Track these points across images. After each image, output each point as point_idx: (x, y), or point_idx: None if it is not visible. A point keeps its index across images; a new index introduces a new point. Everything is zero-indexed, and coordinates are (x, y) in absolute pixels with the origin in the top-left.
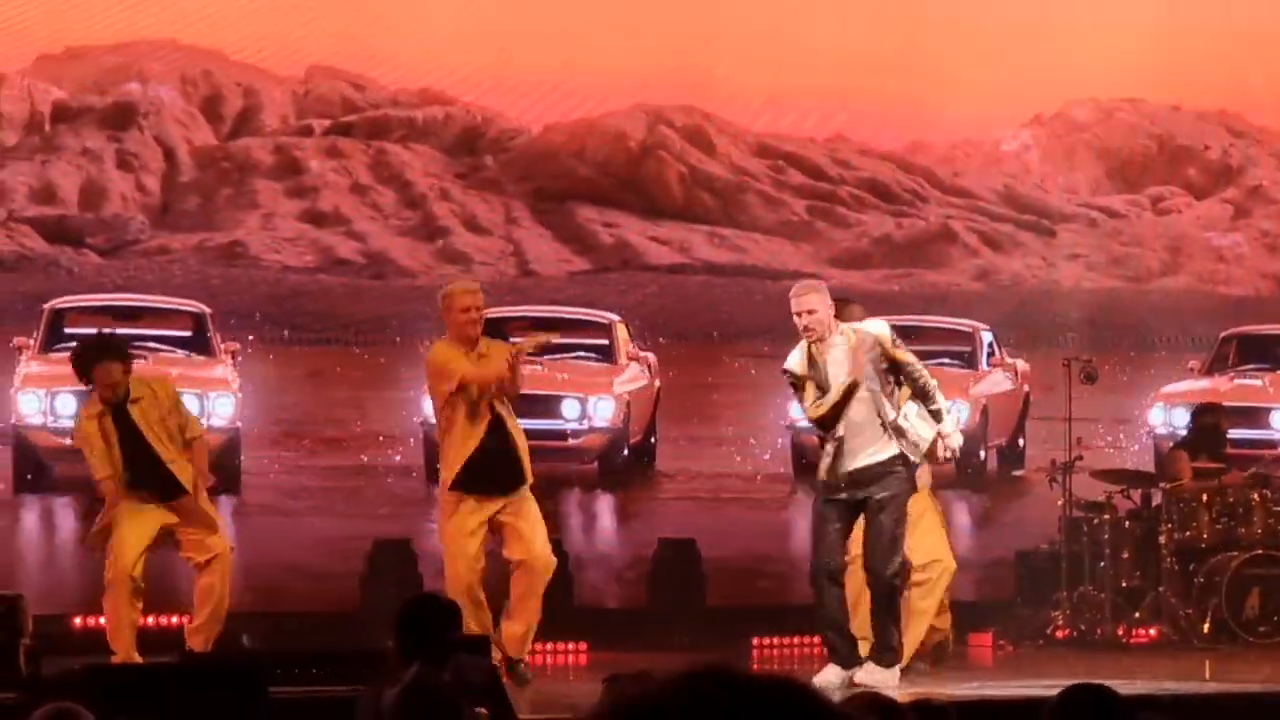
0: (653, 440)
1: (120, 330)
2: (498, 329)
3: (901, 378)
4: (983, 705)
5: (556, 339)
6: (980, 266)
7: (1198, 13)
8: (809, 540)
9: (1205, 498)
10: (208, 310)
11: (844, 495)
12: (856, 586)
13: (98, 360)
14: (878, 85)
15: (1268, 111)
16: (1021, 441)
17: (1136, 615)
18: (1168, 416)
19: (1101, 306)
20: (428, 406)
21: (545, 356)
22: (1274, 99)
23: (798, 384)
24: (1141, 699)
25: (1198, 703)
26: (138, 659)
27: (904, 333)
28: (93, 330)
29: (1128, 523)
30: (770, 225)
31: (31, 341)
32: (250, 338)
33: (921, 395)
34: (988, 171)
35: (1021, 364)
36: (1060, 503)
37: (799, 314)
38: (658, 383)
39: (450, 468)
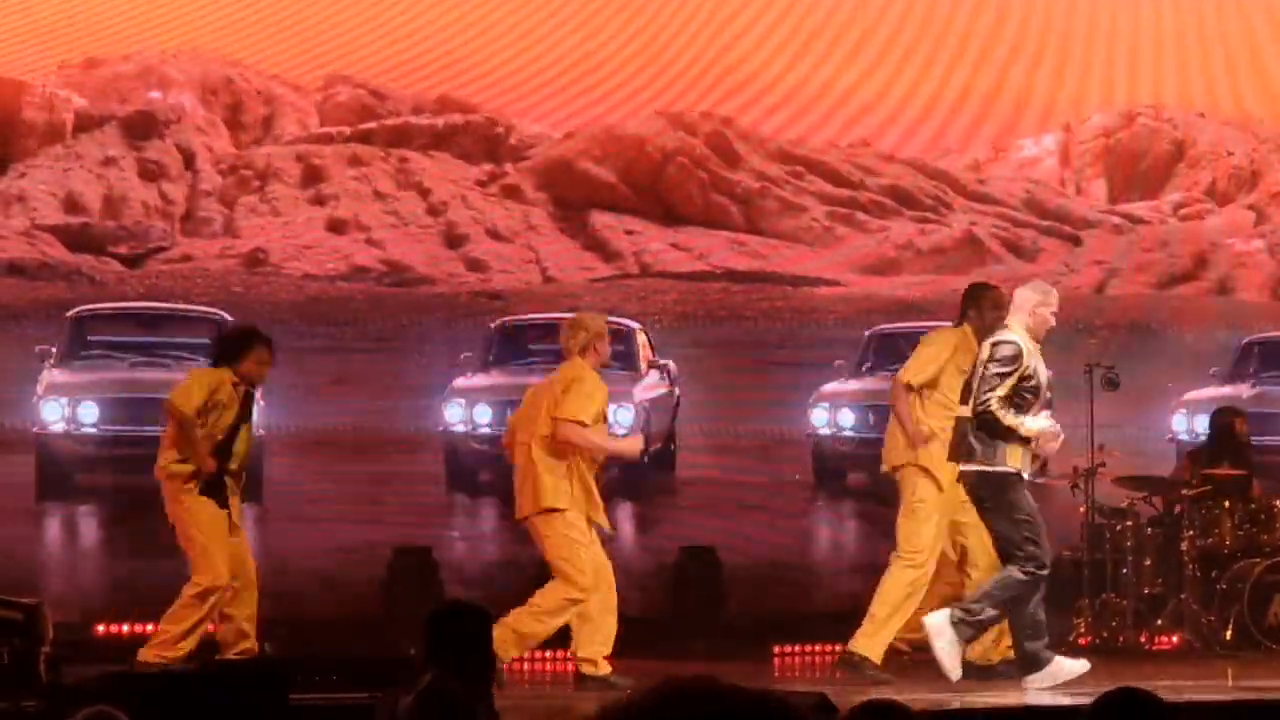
0: (673, 448)
1: (142, 338)
2: (518, 337)
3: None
4: (1002, 713)
5: None
6: (1004, 273)
7: (1220, 18)
8: (830, 548)
9: (1227, 504)
10: (229, 318)
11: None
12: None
13: (258, 342)
14: (900, 92)
15: None
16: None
17: (1159, 622)
18: (1190, 423)
19: (1124, 312)
20: (450, 414)
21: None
22: None
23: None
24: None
25: (1220, 710)
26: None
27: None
28: (116, 338)
29: (1150, 529)
30: (791, 232)
31: (54, 350)
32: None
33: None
34: (1011, 178)
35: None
36: (1082, 509)
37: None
38: (677, 390)
39: (566, 489)
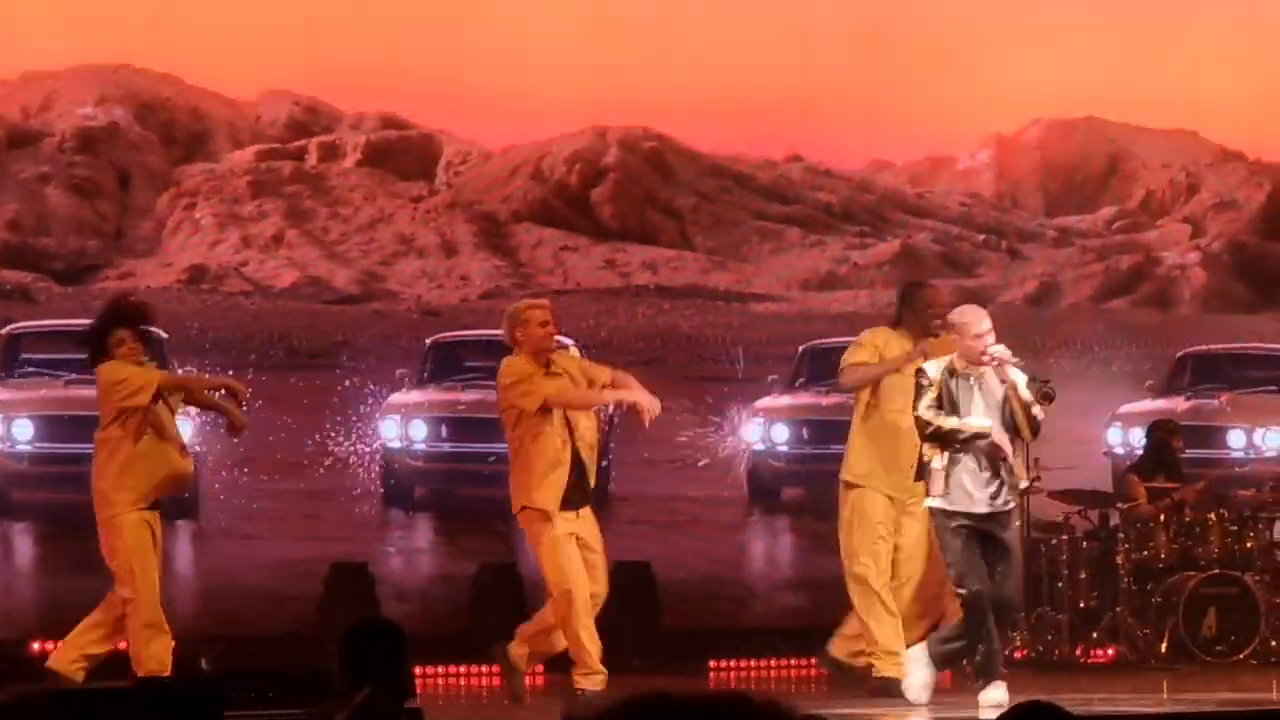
0: (606, 463)
1: (78, 355)
2: (451, 354)
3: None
4: None
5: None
6: (941, 287)
7: (1158, 31)
8: (765, 563)
9: (1162, 518)
10: (165, 335)
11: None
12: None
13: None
14: (836, 106)
15: (1227, 130)
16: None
17: (1094, 635)
18: (1125, 436)
19: (1059, 325)
20: (386, 430)
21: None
22: (1232, 118)
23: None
24: None
25: None
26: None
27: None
28: (51, 356)
29: (1085, 543)
30: (728, 248)
31: None
32: (206, 363)
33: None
34: (948, 191)
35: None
36: (1018, 524)
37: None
38: (611, 405)
39: (536, 487)
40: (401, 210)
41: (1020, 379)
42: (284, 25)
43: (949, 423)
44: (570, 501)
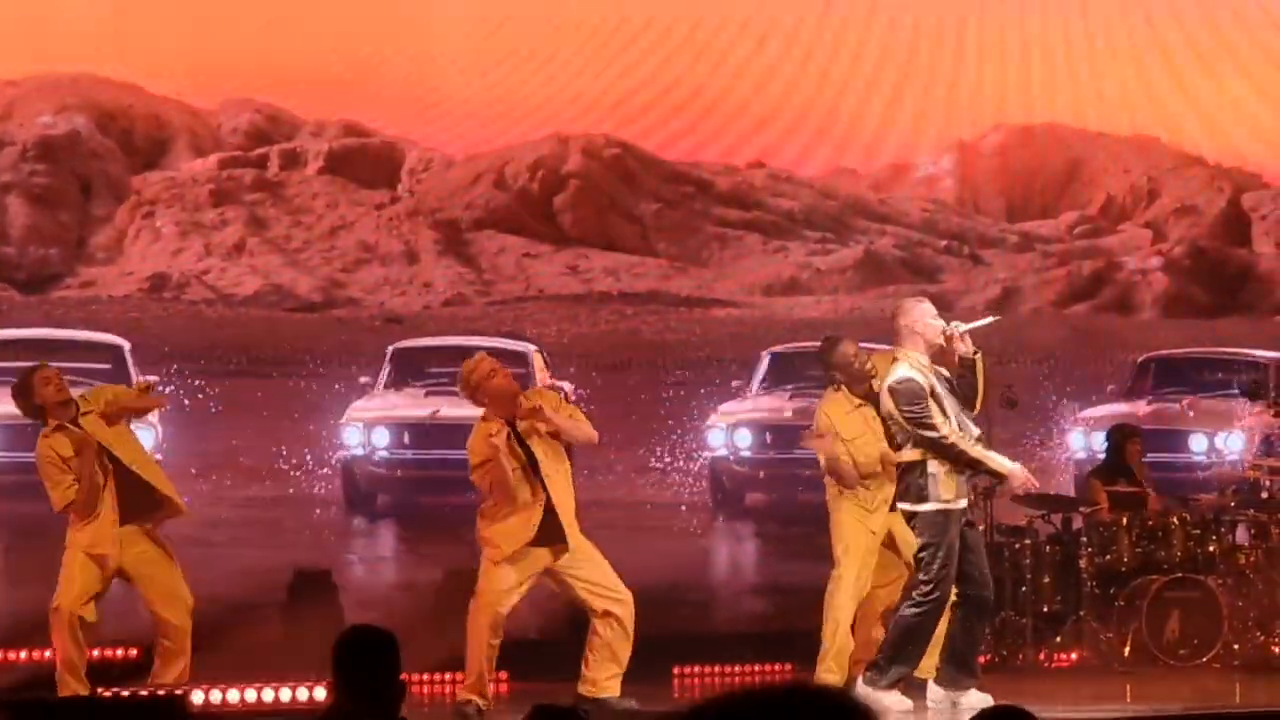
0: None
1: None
2: (414, 360)
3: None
4: None
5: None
6: (903, 292)
7: (1118, 38)
8: (729, 568)
9: (1125, 521)
10: (126, 344)
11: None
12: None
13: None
14: (798, 113)
15: (1187, 136)
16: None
17: (1057, 639)
18: (1087, 440)
19: (1021, 330)
20: (349, 437)
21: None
22: (1194, 124)
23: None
24: None
25: None
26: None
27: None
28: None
29: (1048, 547)
30: (689, 253)
31: None
32: (168, 371)
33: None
34: (909, 198)
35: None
36: (981, 528)
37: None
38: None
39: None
40: (364, 218)
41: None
42: (244, 33)
43: (974, 451)
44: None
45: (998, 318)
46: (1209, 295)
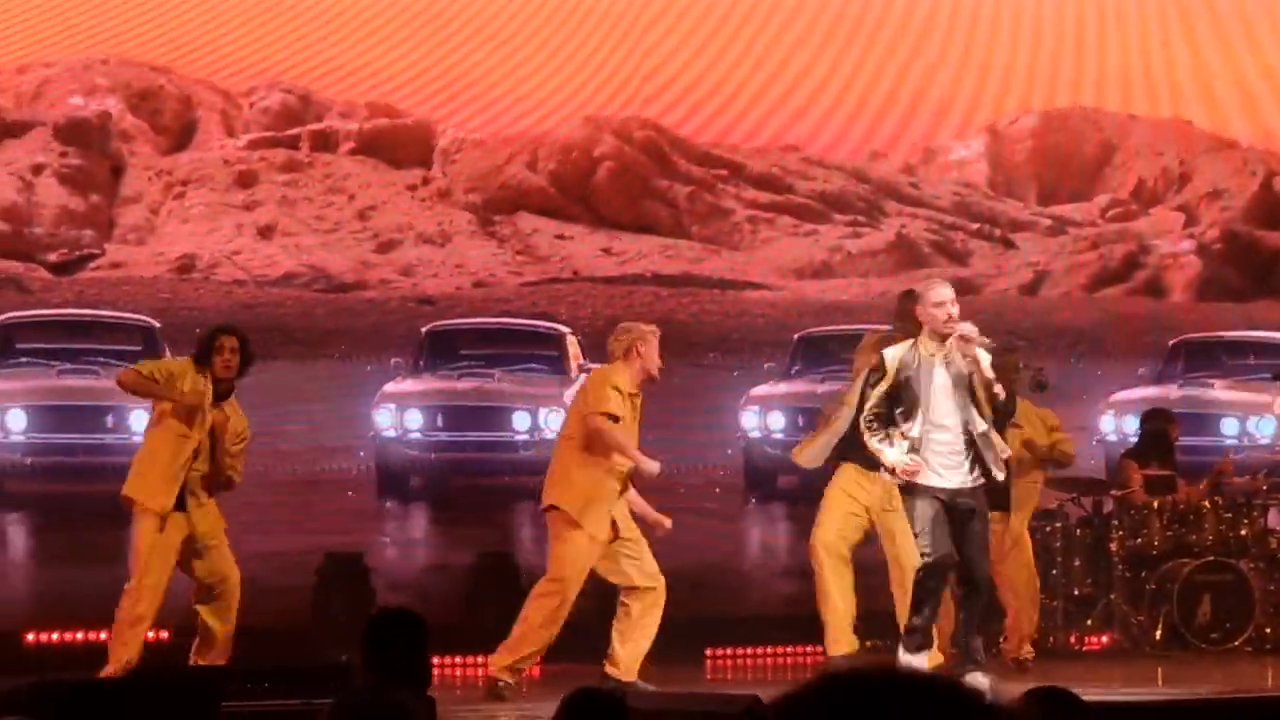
0: None
1: (71, 345)
2: (448, 342)
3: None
4: None
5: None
6: (935, 276)
7: (1152, 20)
8: (762, 550)
9: (1156, 505)
10: (157, 324)
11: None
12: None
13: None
14: (831, 96)
15: (1219, 119)
16: None
17: (1088, 623)
18: (1118, 424)
19: (1053, 314)
20: (381, 419)
21: (496, 368)
22: (1226, 107)
23: None
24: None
25: (1150, 710)
26: None
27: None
28: (44, 345)
29: (1079, 530)
30: (721, 236)
31: None
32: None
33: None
34: (941, 181)
35: None
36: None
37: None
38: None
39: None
40: (396, 199)
41: (985, 358)
42: (275, 14)
43: (873, 442)
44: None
45: (988, 342)
46: (1241, 279)
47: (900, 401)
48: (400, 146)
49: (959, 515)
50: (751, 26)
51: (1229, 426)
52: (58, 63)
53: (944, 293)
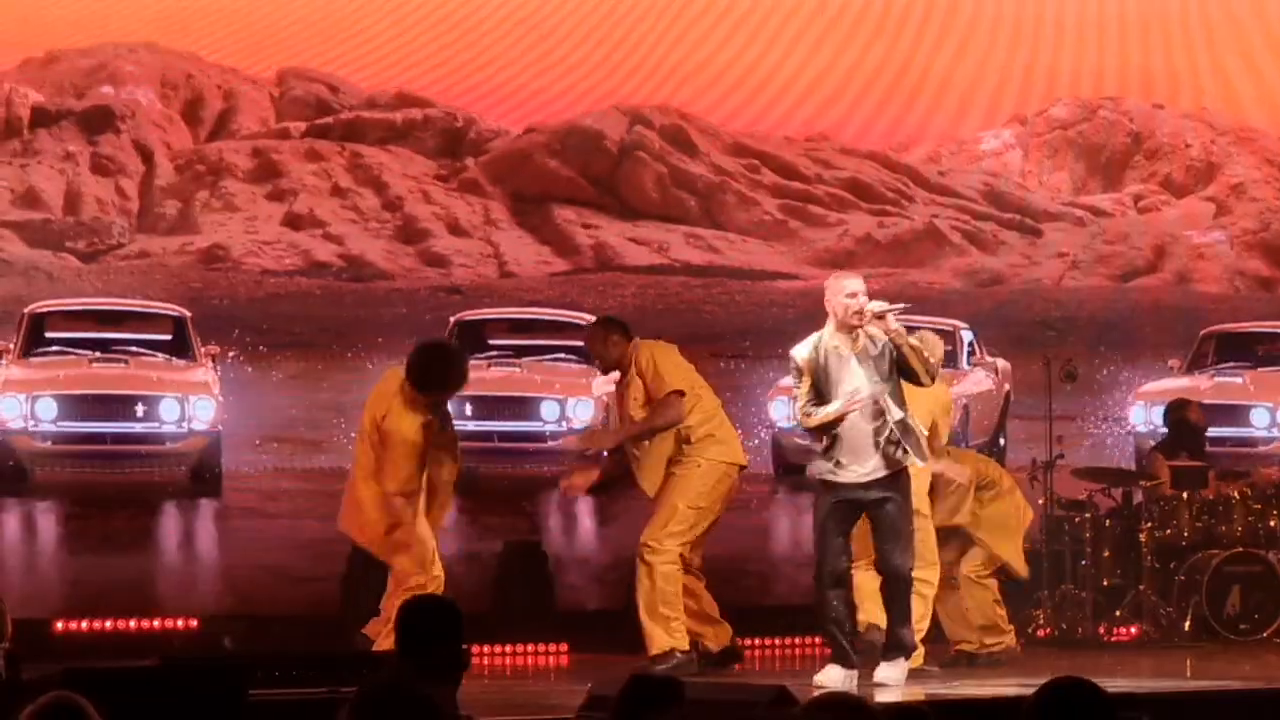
0: None
1: (101, 334)
2: (476, 332)
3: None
4: (963, 704)
5: None
6: (963, 265)
7: (1178, 11)
8: (790, 540)
9: (1185, 496)
10: (188, 314)
11: (850, 496)
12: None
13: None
14: (860, 85)
15: (1248, 109)
16: (1002, 440)
17: (1117, 614)
18: (1148, 415)
19: (1083, 305)
20: None
21: (524, 358)
22: (1254, 97)
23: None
24: (1122, 698)
25: (1179, 701)
26: None
27: None
28: (75, 335)
29: (1108, 521)
30: (749, 225)
31: (12, 346)
32: (230, 341)
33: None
34: (971, 170)
35: (1002, 363)
36: (1041, 501)
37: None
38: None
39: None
40: (425, 189)
41: (896, 325)
42: (306, 3)
43: (816, 419)
44: None
45: (908, 305)
46: (1271, 269)
47: (819, 395)
48: (429, 136)
49: (869, 505)
50: (779, 16)
51: (1259, 418)
52: (89, 52)
53: (854, 284)
